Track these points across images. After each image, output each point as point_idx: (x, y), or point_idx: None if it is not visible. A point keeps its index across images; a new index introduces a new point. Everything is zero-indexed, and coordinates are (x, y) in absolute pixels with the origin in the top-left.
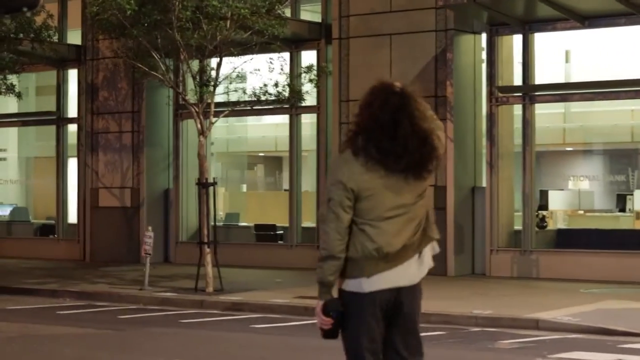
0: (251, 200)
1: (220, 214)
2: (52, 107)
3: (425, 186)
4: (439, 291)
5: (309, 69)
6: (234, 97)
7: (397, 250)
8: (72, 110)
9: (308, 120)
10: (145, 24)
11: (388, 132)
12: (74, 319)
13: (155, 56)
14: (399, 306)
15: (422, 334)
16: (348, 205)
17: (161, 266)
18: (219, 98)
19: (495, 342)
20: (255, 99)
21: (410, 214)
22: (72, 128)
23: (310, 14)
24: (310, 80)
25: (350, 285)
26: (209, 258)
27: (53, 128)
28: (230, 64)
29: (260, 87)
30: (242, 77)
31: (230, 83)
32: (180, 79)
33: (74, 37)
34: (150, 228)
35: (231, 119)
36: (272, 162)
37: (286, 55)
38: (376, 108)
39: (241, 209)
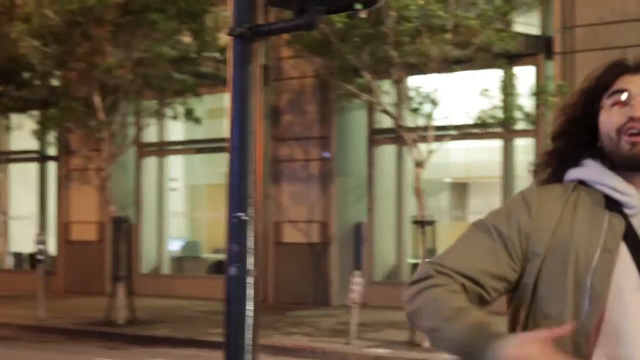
0: (444, 233)
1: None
2: (222, 132)
3: None
4: None
5: (542, 88)
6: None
7: None
8: None
9: (520, 145)
10: (356, 38)
11: None
12: None
13: (365, 76)
14: None
15: None
16: None
17: None
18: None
19: None
20: (480, 122)
21: None
22: None
23: (524, 26)
24: (546, 102)
25: None
26: None
27: (222, 156)
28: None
29: (489, 109)
30: (433, 101)
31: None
32: (394, 102)
33: None
34: (358, 273)
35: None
36: (458, 189)
37: (498, 72)
38: None
39: (439, 244)
